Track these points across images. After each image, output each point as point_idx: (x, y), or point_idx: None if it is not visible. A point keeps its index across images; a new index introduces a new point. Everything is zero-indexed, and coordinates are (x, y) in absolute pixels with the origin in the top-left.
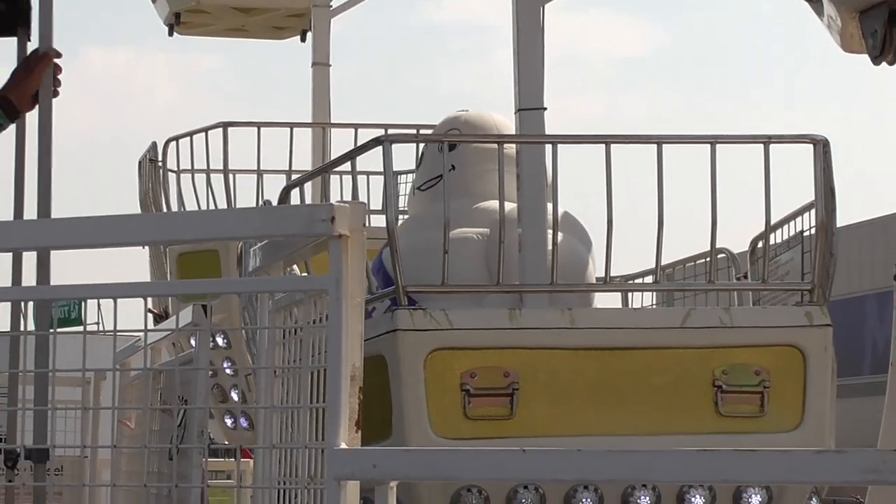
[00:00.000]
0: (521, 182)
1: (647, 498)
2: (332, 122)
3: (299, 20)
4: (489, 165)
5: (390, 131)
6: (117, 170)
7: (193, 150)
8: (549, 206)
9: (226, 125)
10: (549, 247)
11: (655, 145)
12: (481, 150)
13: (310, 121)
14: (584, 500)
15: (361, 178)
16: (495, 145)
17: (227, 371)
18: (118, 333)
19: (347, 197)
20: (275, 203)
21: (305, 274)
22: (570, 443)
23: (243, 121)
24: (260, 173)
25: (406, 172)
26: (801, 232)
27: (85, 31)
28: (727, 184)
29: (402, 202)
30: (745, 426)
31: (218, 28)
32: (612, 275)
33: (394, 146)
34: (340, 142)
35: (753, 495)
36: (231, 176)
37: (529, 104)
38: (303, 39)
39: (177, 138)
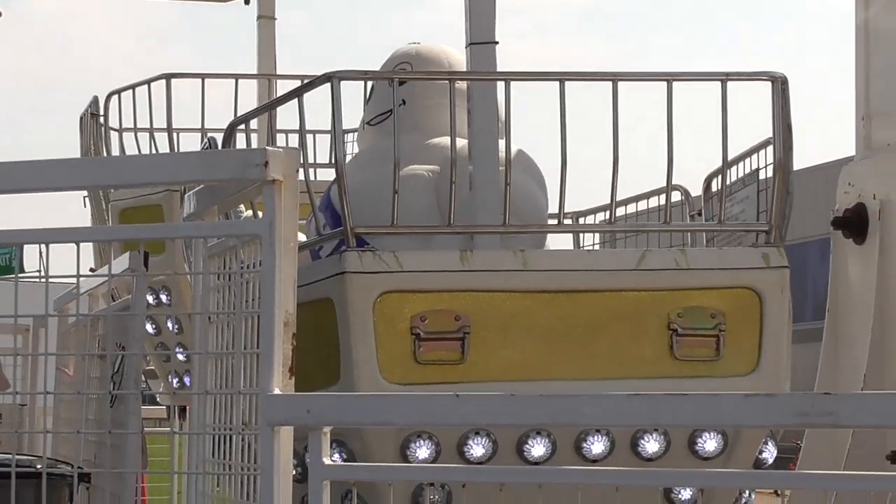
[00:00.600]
0: (472, 119)
1: (601, 443)
2: (278, 73)
3: None
4: (441, 100)
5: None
6: (51, 113)
7: (136, 104)
8: (502, 143)
9: (169, 77)
10: (502, 186)
11: (611, 82)
12: (433, 84)
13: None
14: (536, 445)
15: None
16: (444, 82)
17: (173, 330)
18: (52, 280)
19: (294, 138)
20: (220, 142)
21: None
22: (522, 388)
23: (187, 72)
24: (204, 131)
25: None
26: (757, 170)
27: None
28: (684, 125)
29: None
30: (701, 370)
31: None
32: (566, 211)
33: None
34: None
35: (709, 439)
36: (175, 134)
37: (481, 38)
38: (246, 2)
39: (119, 92)
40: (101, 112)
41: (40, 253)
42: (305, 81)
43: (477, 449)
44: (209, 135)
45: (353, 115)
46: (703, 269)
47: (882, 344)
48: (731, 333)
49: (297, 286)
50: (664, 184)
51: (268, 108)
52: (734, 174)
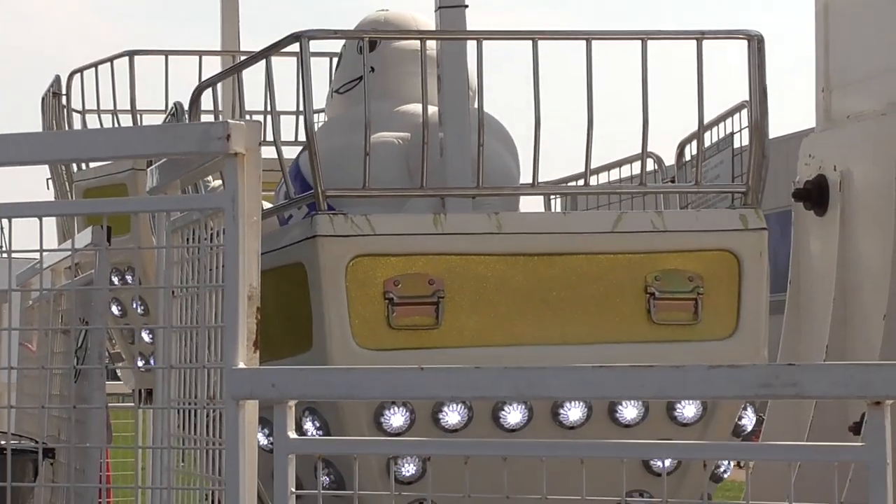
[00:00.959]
0: (442, 82)
1: (579, 409)
2: (243, 49)
3: None
4: (410, 67)
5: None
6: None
7: (98, 82)
8: (474, 109)
9: (131, 54)
10: (474, 151)
11: (584, 41)
12: (402, 51)
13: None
14: (512, 412)
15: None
16: (417, 46)
17: (138, 311)
18: (14, 255)
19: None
20: (186, 107)
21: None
22: (497, 354)
23: (149, 48)
24: (168, 111)
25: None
26: (732, 134)
27: None
28: (659, 92)
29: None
30: (679, 334)
31: None
32: (539, 180)
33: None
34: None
35: (688, 405)
36: (139, 116)
37: (450, 1)
38: None
39: (81, 70)
40: (64, 91)
41: (1, 228)
42: (271, 44)
43: (452, 416)
44: (175, 100)
45: (317, 89)
46: (681, 232)
47: (844, 315)
48: (708, 297)
49: (263, 253)
50: (638, 150)
51: (234, 70)
52: (708, 139)
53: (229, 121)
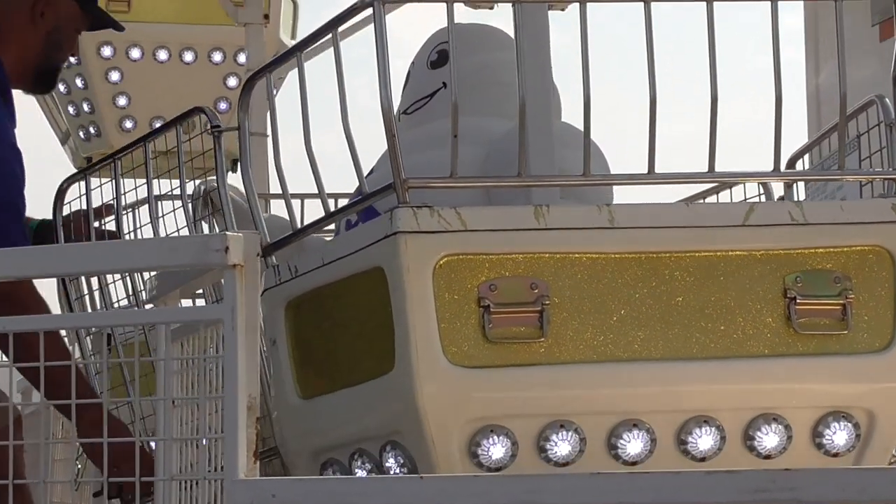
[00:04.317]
0: (522, 57)
1: (710, 438)
2: None
3: None
4: (479, 80)
5: None
6: None
7: None
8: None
9: None
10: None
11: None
12: (471, 66)
13: None
14: (632, 440)
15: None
16: (486, 61)
17: None
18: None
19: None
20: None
21: None
22: (613, 371)
23: None
24: None
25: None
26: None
27: None
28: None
29: None
30: (825, 346)
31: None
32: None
33: None
34: None
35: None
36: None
37: None
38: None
39: None
40: None
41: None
42: (343, 11)
43: (562, 446)
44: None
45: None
46: (825, 224)
47: None
48: (859, 301)
49: (333, 261)
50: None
51: (294, 51)
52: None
53: (227, 233)
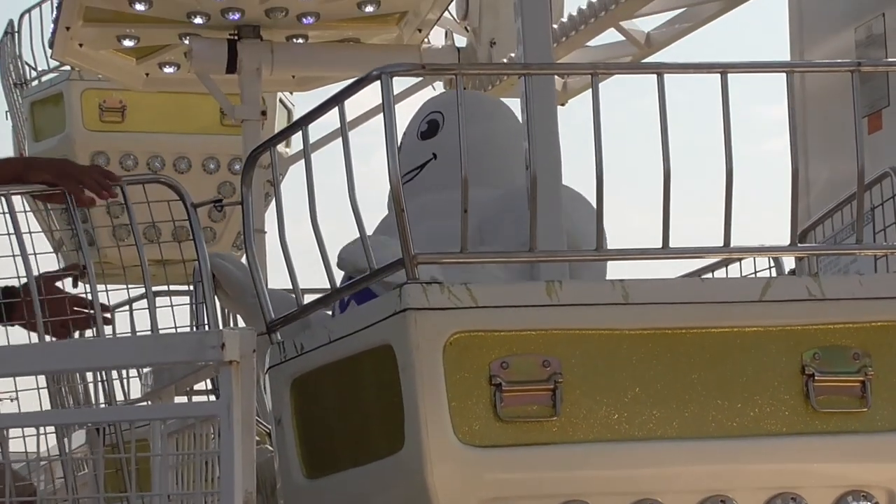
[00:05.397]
0: (530, 123)
1: None
2: None
3: None
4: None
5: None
6: None
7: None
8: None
9: None
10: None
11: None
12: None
13: None
14: None
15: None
16: (479, 133)
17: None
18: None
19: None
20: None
21: None
22: (628, 451)
23: None
24: None
25: None
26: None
27: None
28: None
29: None
30: (844, 424)
31: None
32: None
33: None
34: None
35: None
36: None
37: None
38: None
39: (28, 11)
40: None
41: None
42: (349, 83)
43: None
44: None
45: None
46: (843, 300)
47: None
48: (878, 378)
49: (340, 338)
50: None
51: (299, 125)
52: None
53: (223, 329)
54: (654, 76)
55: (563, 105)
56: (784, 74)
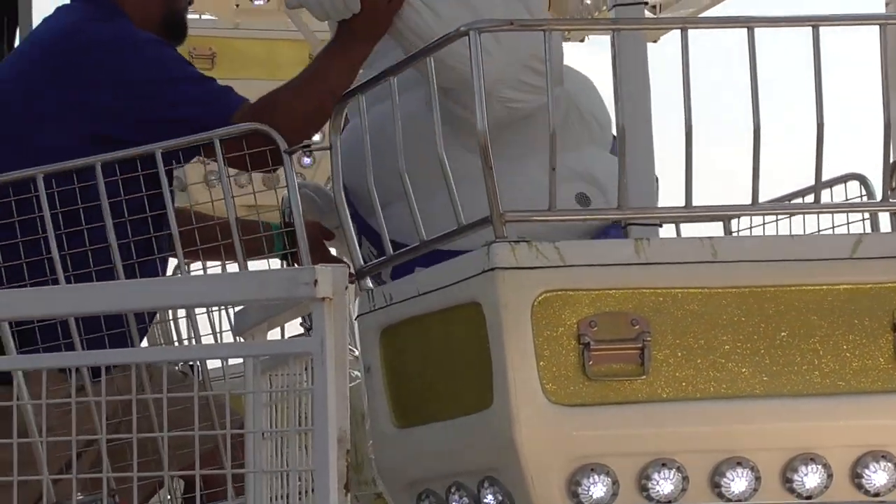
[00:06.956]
0: (619, 80)
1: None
2: None
3: None
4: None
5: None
6: None
7: None
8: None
9: None
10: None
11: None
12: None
13: None
14: (736, 479)
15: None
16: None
17: None
18: None
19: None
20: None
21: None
22: (717, 409)
23: None
24: None
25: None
26: None
27: None
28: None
29: None
30: None
31: None
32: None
33: None
34: None
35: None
36: None
37: None
38: None
39: None
40: None
41: None
42: (435, 41)
43: (664, 485)
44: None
45: None
46: None
47: None
48: None
49: (427, 292)
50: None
51: (386, 75)
52: None
53: (316, 266)
54: (745, 30)
55: (654, 42)
56: (877, 27)
